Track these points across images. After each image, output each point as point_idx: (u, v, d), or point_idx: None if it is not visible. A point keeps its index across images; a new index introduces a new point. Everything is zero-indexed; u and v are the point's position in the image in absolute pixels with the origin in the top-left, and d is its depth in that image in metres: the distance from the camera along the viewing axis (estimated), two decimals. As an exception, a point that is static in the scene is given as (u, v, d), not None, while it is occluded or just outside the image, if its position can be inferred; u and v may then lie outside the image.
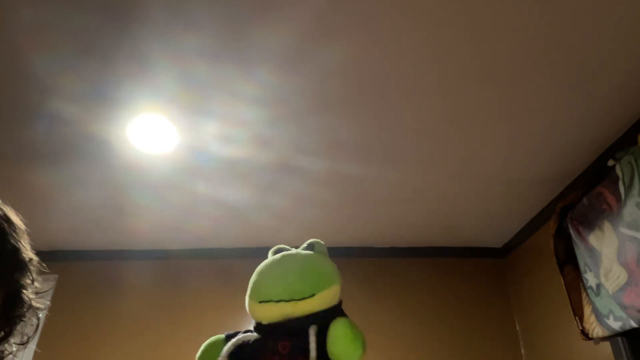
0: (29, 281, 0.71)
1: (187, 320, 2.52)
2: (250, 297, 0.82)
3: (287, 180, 2.05)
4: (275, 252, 0.90)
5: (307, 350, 0.71)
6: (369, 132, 1.77)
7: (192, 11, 1.28)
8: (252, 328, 0.82)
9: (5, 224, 0.67)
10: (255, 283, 0.83)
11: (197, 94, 1.58)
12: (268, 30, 1.34)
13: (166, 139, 1.79)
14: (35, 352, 2.10)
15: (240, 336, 0.78)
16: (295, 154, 1.89)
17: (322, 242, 0.93)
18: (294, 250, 0.90)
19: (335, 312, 0.79)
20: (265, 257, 0.91)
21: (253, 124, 1.72)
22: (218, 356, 0.76)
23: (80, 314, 2.51)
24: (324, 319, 0.76)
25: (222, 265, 2.68)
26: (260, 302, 0.78)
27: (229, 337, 0.80)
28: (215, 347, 0.79)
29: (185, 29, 1.34)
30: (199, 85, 1.54)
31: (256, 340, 0.77)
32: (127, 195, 2.15)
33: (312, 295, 0.77)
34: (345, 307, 0.87)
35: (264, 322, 0.79)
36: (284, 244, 0.96)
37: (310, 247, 0.90)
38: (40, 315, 0.75)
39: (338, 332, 0.74)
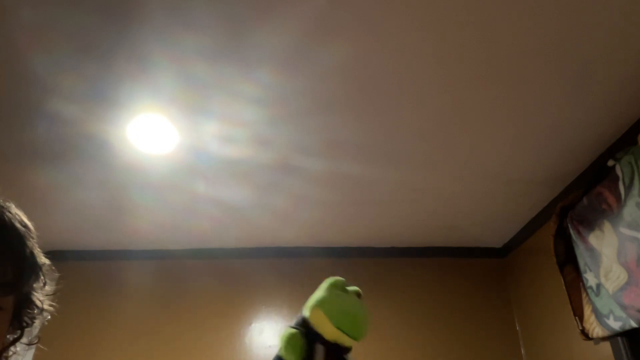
0: (41, 285, 0.73)
1: (186, 320, 2.52)
2: (337, 324, 0.96)
3: (287, 180, 2.05)
4: (344, 286, 1.04)
5: None
6: (370, 132, 1.77)
7: (192, 11, 1.28)
8: (300, 323, 0.98)
9: (24, 229, 0.68)
10: (347, 315, 0.99)
11: (197, 94, 1.58)
12: (268, 30, 1.34)
13: (166, 139, 1.79)
14: (36, 351, 2.10)
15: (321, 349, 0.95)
16: (295, 154, 1.89)
17: None
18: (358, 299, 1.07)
19: None
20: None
21: (253, 124, 1.72)
22: (299, 347, 0.93)
23: (80, 313, 2.51)
24: None
25: (222, 265, 2.68)
26: (343, 331, 0.96)
27: (306, 334, 0.95)
28: (296, 339, 0.94)
29: (185, 29, 1.34)
30: (199, 85, 1.54)
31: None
32: (127, 195, 2.14)
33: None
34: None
35: (326, 337, 0.95)
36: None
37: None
38: (48, 317, 0.76)
39: None
